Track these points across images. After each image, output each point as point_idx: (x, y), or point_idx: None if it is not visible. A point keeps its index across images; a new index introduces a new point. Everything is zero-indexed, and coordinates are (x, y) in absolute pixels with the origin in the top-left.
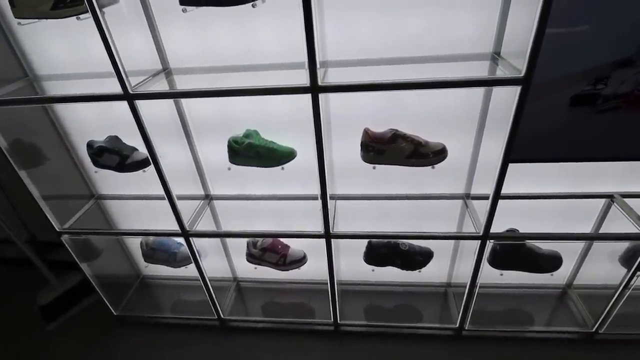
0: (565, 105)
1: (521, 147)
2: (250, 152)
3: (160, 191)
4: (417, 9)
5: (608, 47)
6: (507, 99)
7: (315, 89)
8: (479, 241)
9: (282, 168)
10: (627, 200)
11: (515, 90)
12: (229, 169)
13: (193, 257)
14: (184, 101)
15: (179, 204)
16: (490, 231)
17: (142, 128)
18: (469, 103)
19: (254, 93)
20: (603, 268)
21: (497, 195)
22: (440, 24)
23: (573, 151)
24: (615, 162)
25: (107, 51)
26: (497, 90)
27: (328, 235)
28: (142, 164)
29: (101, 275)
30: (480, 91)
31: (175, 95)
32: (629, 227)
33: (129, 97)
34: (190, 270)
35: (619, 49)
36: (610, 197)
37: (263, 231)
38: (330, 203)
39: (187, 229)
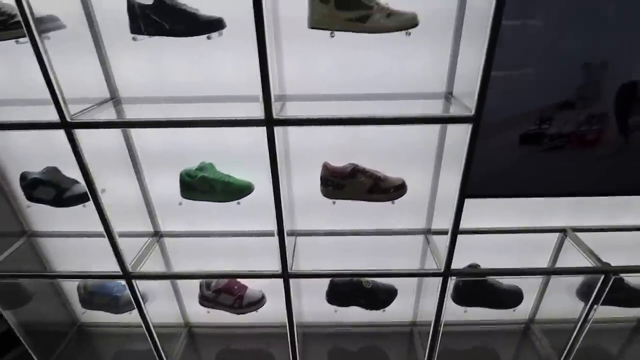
0: (516, 143)
1: (477, 183)
2: (204, 186)
3: (101, 228)
4: (376, 48)
5: (550, 89)
6: (460, 136)
7: (270, 122)
8: (441, 278)
9: (238, 203)
10: (578, 234)
11: (467, 128)
12: (180, 203)
13: (136, 301)
14: (133, 132)
15: (124, 241)
16: (452, 267)
17: (80, 158)
18: (425, 139)
19: (206, 125)
20: (562, 302)
21: (456, 231)
22: (397, 63)
23: (525, 187)
24: (566, 197)
25: (43, 75)
26: (451, 128)
27: (286, 275)
28: (81, 198)
29: (31, 322)
30: (435, 128)
31: (117, 124)
32: (582, 260)
33: (67, 126)
34: (135, 316)
35: (560, 92)
36: (563, 231)
37: (214, 271)
38: (289, 240)
39: (130, 270)
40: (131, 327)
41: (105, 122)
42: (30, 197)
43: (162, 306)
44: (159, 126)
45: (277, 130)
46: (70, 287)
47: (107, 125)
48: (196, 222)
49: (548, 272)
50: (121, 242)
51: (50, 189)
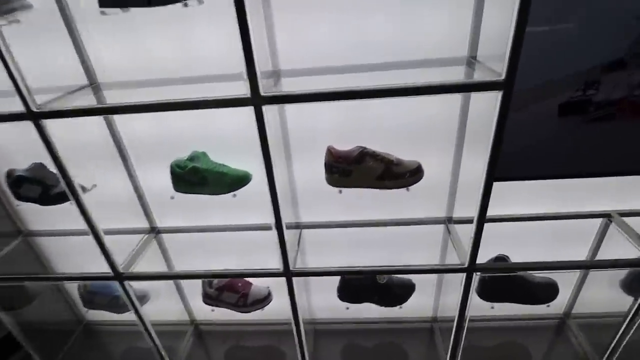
0: (554, 115)
1: (506, 164)
2: (195, 177)
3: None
4: (383, 11)
5: (596, 47)
6: (487, 108)
7: (257, 100)
8: (465, 274)
9: (234, 195)
10: (626, 219)
11: (497, 96)
12: (172, 197)
13: (130, 303)
14: (118, 121)
15: (119, 239)
16: (477, 261)
17: (52, 151)
18: (444, 115)
19: (184, 107)
20: (604, 294)
21: (482, 219)
22: (408, 26)
23: (564, 166)
24: (612, 177)
25: (2, 62)
26: (475, 99)
27: (288, 273)
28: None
29: (36, 322)
30: (456, 100)
31: (89, 112)
32: (630, 249)
33: (34, 116)
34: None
35: (609, 50)
36: (607, 216)
37: (211, 271)
38: (292, 233)
39: (121, 271)
40: (138, 324)
41: (74, 110)
42: (18, 196)
43: (167, 304)
44: (136, 111)
45: (271, 110)
46: (74, 287)
47: (77, 114)
48: (194, 216)
49: (589, 267)
50: (116, 239)
51: (36, 186)
